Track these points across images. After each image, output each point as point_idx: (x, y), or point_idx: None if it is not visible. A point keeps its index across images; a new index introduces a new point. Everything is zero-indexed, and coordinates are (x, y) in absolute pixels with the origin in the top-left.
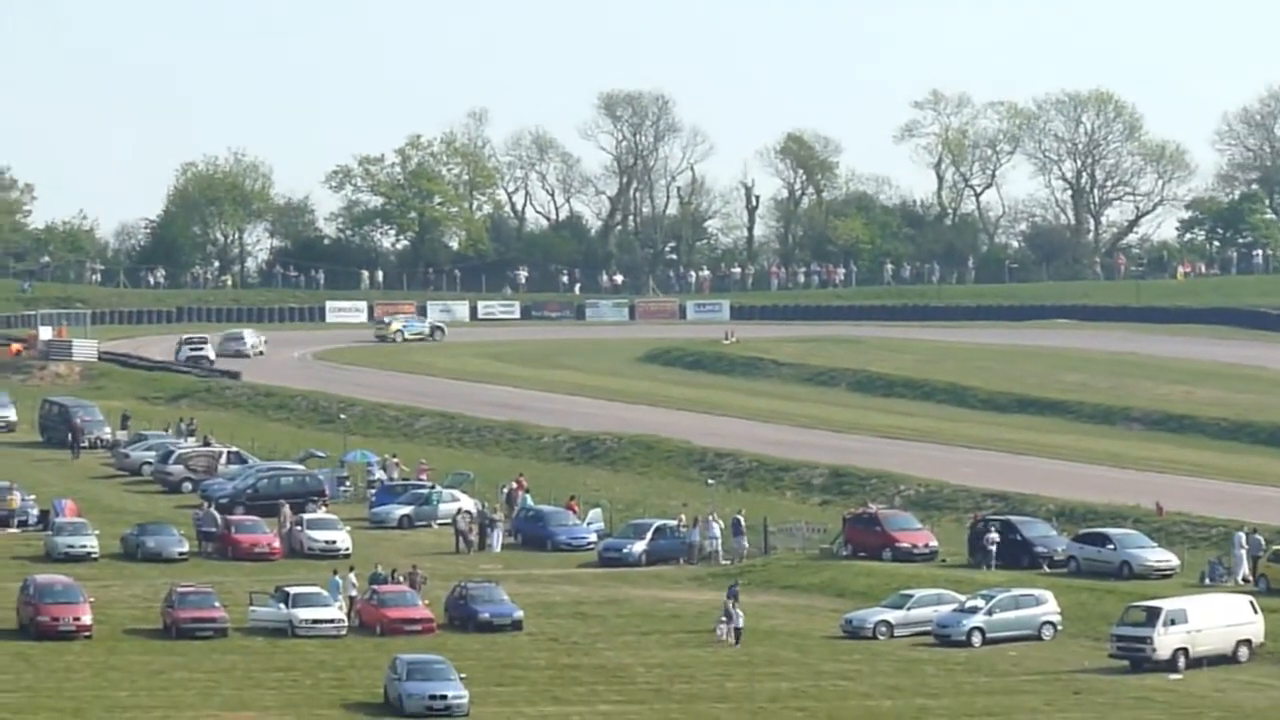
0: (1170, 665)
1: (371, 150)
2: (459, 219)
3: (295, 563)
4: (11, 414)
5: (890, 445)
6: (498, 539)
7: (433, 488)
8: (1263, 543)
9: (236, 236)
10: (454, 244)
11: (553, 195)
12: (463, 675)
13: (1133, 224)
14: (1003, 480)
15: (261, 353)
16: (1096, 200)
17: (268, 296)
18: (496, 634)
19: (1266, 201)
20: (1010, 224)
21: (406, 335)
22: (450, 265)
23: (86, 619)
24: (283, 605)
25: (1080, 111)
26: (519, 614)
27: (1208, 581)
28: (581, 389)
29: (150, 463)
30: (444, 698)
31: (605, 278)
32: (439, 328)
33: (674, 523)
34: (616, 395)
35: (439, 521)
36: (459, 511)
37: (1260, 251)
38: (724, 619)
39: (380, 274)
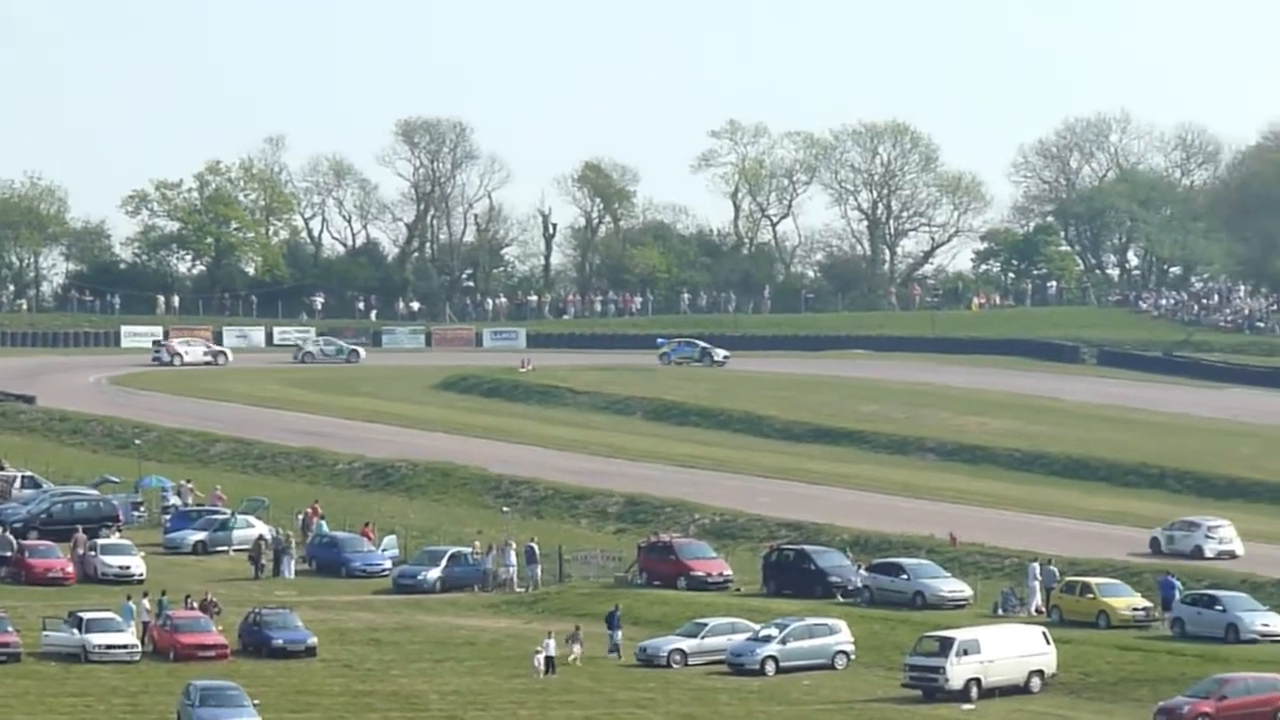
0: (963, 695)
1: (169, 175)
2: (255, 245)
3: (89, 588)
4: None
5: (685, 474)
6: (290, 565)
7: (231, 514)
8: (1057, 574)
9: (32, 260)
10: (250, 269)
11: (350, 222)
12: (256, 702)
13: (928, 255)
14: (797, 509)
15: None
16: (892, 231)
17: (63, 320)
18: (290, 660)
19: (1061, 234)
20: (806, 254)
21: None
22: (246, 291)
23: None
24: (76, 630)
25: (877, 142)
26: (313, 640)
27: (1001, 612)
28: (378, 416)
29: None
30: None
31: (402, 305)
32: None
33: (469, 550)
34: (412, 422)
35: (236, 548)
36: (259, 538)
37: (1055, 283)
38: (539, 649)
39: (176, 299)
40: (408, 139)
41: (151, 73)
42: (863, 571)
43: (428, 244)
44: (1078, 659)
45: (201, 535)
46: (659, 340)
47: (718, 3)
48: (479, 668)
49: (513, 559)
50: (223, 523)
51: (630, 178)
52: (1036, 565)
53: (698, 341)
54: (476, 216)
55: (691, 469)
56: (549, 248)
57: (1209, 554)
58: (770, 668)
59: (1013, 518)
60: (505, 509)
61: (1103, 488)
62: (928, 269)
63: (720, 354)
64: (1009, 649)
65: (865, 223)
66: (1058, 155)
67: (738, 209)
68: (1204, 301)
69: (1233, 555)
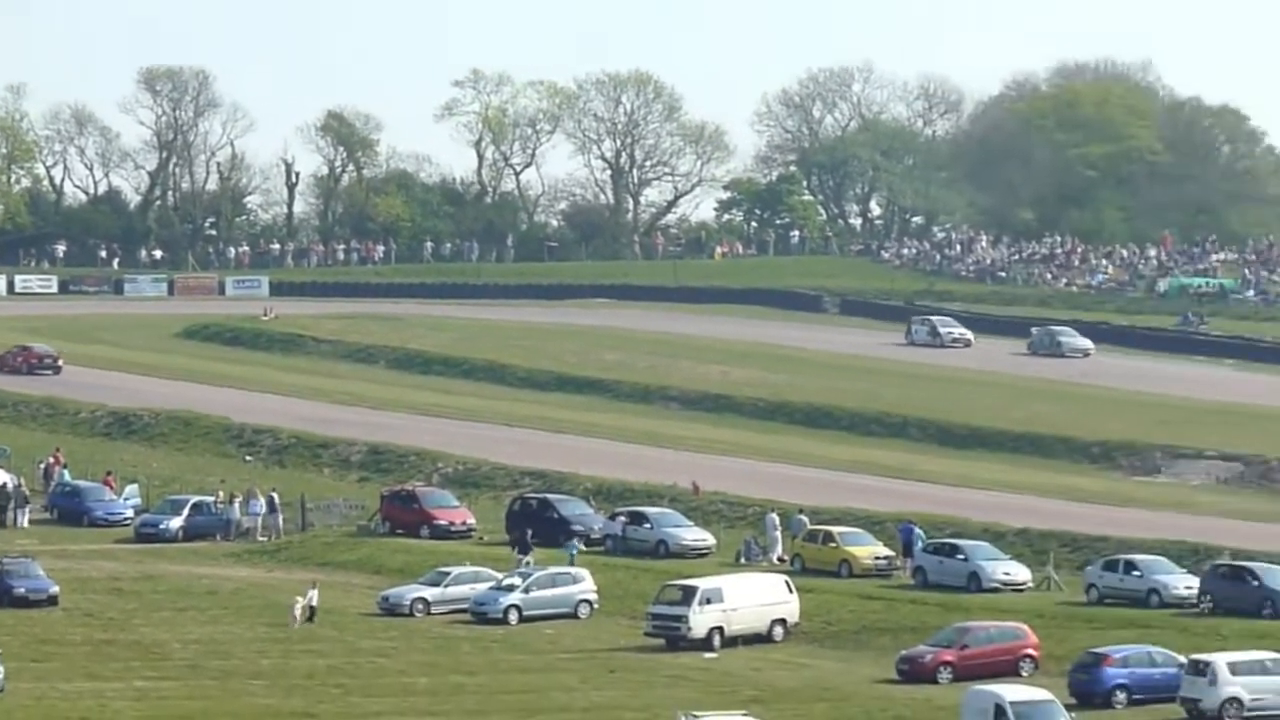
0: (706, 644)
1: None
2: None
3: None
4: None
5: (429, 422)
6: (25, 515)
7: None
8: (807, 522)
9: None
10: None
11: (91, 170)
12: None
13: (671, 204)
14: (541, 458)
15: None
16: (636, 180)
17: None
18: (32, 609)
19: (804, 183)
20: (550, 203)
21: None
22: None
23: None
24: None
25: (620, 92)
26: (54, 589)
27: (743, 561)
28: (120, 364)
29: None
30: None
31: (144, 253)
32: None
33: (211, 499)
34: (154, 371)
35: None
36: (1, 486)
37: (797, 233)
38: (299, 598)
39: None
40: (149, 87)
41: None
42: (610, 520)
43: (170, 192)
44: (820, 608)
45: None
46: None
47: None
48: (221, 616)
49: (258, 508)
50: None
51: (373, 126)
52: (776, 515)
53: None
54: (219, 165)
55: (434, 418)
56: (291, 196)
57: None
58: (513, 616)
59: (755, 466)
60: (248, 457)
61: (845, 436)
62: (671, 218)
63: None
64: (752, 598)
65: (608, 172)
66: (800, 105)
67: (481, 158)
68: (946, 251)
69: None
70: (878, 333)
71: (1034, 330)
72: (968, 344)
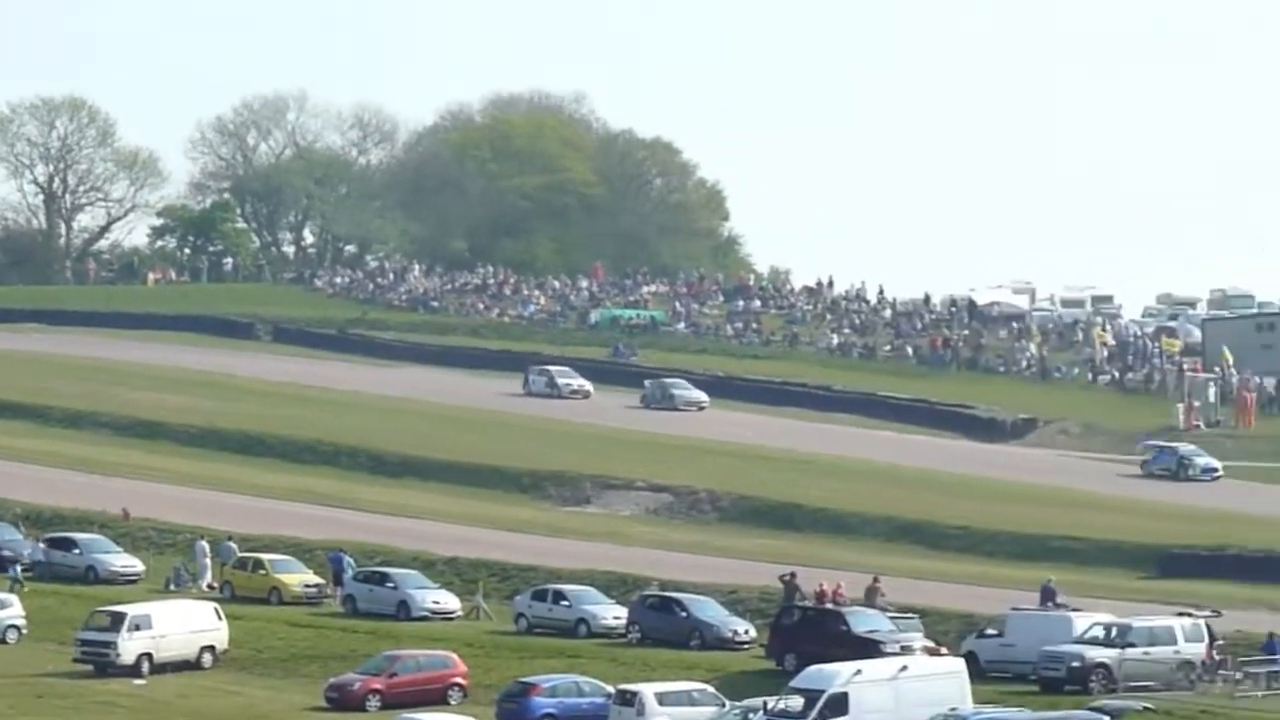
0: (135, 670)
1: None
2: None
3: None
4: None
5: None
6: None
7: None
8: (236, 549)
9: None
10: None
11: None
12: None
13: (104, 230)
14: None
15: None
16: (69, 205)
17: None
18: None
19: (238, 210)
20: None
21: None
22: None
23: None
24: None
25: (54, 117)
26: None
27: (173, 587)
28: None
29: None
30: None
31: None
32: None
33: None
34: None
35: None
36: None
37: (231, 260)
38: None
39: None
40: None
41: None
42: (41, 545)
43: None
44: (250, 635)
45: None
46: None
47: None
48: None
49: None
50: None
51: None
52: (205, 542)
53: None
54: None
55: None
56: None
57: None
58: None
59: (186, 493)
60: None
61: (277, 464)
62: (104, 244)
63: None
64: (181, 624)
65: (41, 196)
66: (235, 132)
67: None
68: (379, 280)
69: None
70: (311, 362)
71: (647, 383)
72: (587, 395)
